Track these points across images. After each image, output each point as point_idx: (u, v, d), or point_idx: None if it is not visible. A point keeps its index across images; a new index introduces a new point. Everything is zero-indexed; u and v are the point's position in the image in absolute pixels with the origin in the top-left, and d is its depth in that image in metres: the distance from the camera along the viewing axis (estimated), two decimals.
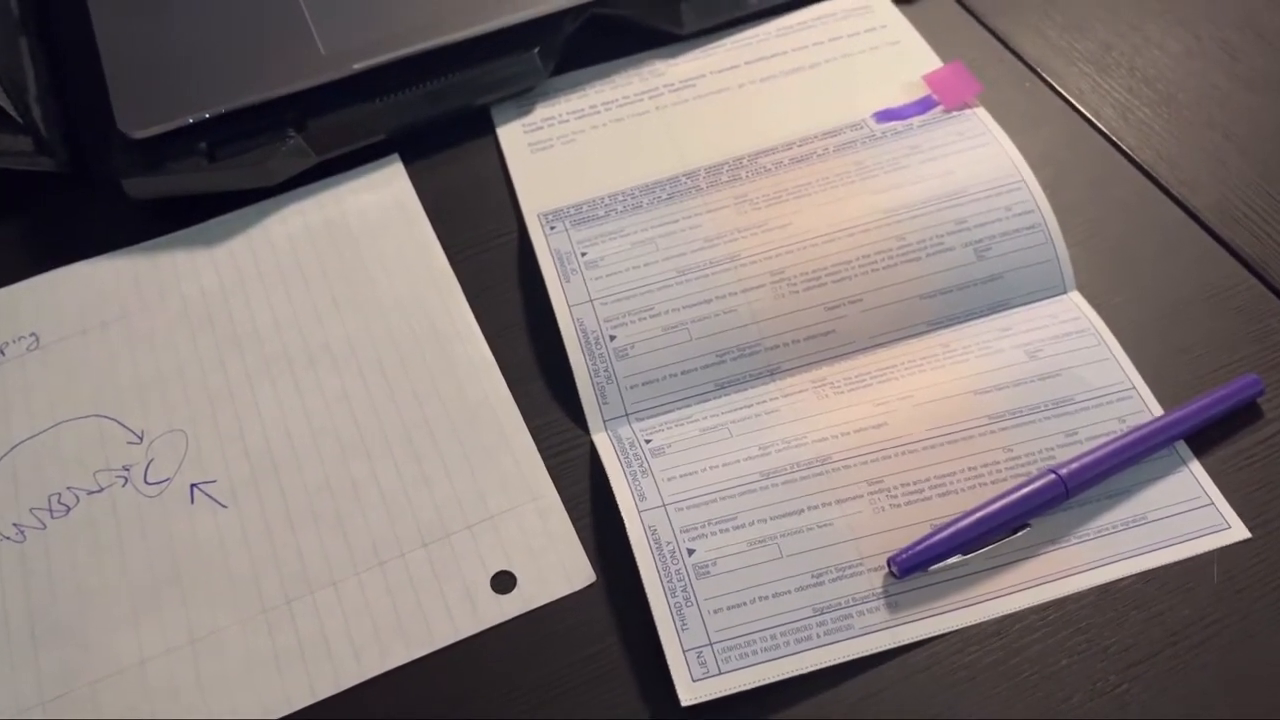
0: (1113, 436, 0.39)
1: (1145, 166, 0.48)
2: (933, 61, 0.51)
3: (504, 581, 0.38)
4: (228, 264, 0.47)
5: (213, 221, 0.48)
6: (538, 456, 0.41)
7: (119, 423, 0.42)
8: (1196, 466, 0.39)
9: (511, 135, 0.50)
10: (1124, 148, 0.49)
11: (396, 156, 0.50)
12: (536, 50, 0.50)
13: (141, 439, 0.42)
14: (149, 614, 0.38)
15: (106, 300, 0.46)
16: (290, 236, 0.48)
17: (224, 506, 0.40)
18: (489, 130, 0.51)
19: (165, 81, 0.48)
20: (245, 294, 0.46)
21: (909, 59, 0.51)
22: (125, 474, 0.41)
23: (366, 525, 0.39)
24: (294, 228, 0.48)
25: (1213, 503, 0.38)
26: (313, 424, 0.42)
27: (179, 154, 0.47)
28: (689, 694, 0.34)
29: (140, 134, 0.46)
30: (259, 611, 0.38)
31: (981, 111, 0.47)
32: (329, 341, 0.44)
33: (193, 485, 0.41)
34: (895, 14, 0.53)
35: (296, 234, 0.48)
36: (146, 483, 0.41)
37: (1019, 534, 0.37)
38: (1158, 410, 0.40)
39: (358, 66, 0.48)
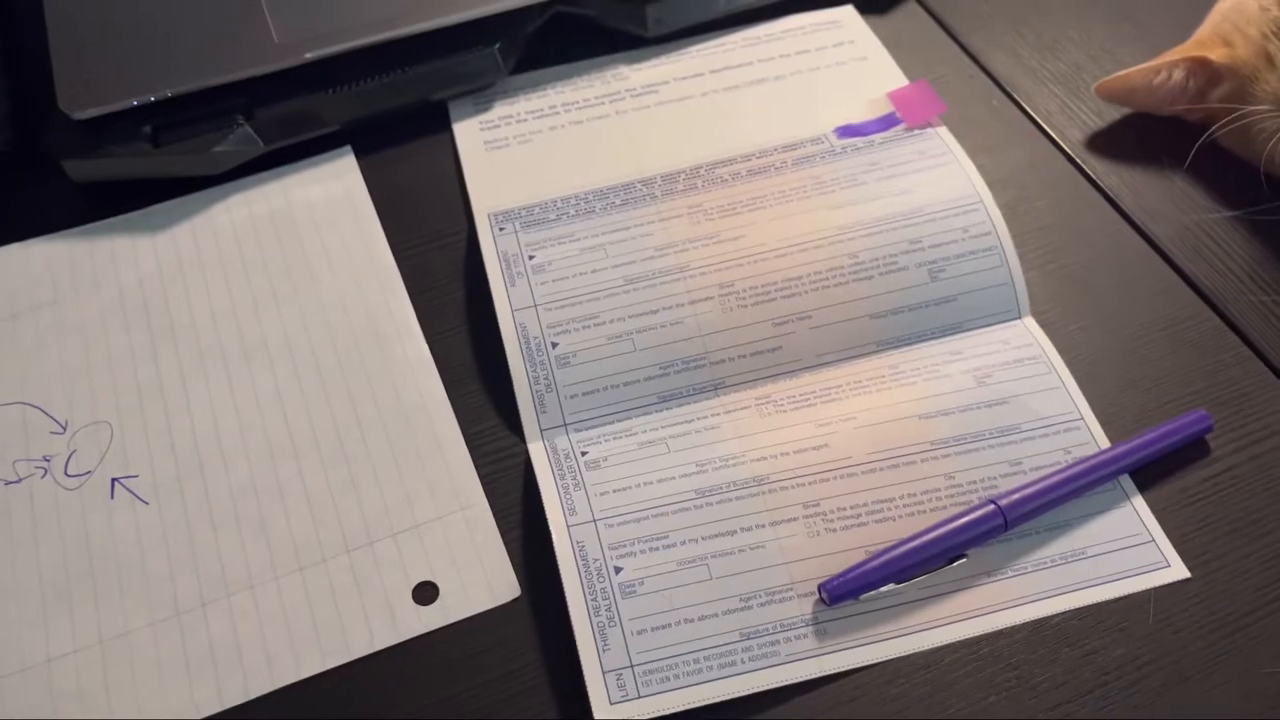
0: (1057, 468, 0.38)
1: (1109, 193, 0.47)
2: (899, 79, 0.50)
3: (426, 592, 0.37)
4: (168, 252, 0.46)
5: (155, 208, 0.47)
6: (471, 464, 0.40)
7: (43, 411, 0.41)
8: (1140, 502, 0.38)
9: (467, 132, 0.49)
10: (1089, 172, 0.48)
11: (349, 149, 0.49)
12: (497, 47, 0.49)
13: (65, 429, 0.41)
14: (59, 611, 0.37)
15: (39, 284, 0.45)
16: (234, 226, 0.46)
17: (145, 503, 0.39)
18: (445, 126, 0.50)
19: (111, 62, 0.47)
20: (184, 284, 0.45)
21: (875, 75, 0.50)
22: (45, 465, 0.40)
23: (289, 529, 0.38)
24: (238, 218, 0.47)
25: (1153, 540, 0.37)
26: (243, 422, 0.41)
27: (122, 137, 0.46)
28: (606, 716, 0.33)
29: (82, 114, 0.45)
30: (172, 614, 0.37)
31: (944, 131, 0.47)
32: (266, 337, 0.43)
33: (114, 479, 0.40)
34: (864, 30, 0.52)
35: (240, 224, 0.47)
36: (67, 475, 0.40)
37: (955, 564, 0.37)
38: (1105, 442, 0.39)
39: (311, 55, 0.47)
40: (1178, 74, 0.46)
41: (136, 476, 0.40)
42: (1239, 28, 0.45)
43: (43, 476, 0.40)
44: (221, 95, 0.47)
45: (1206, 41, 0.46)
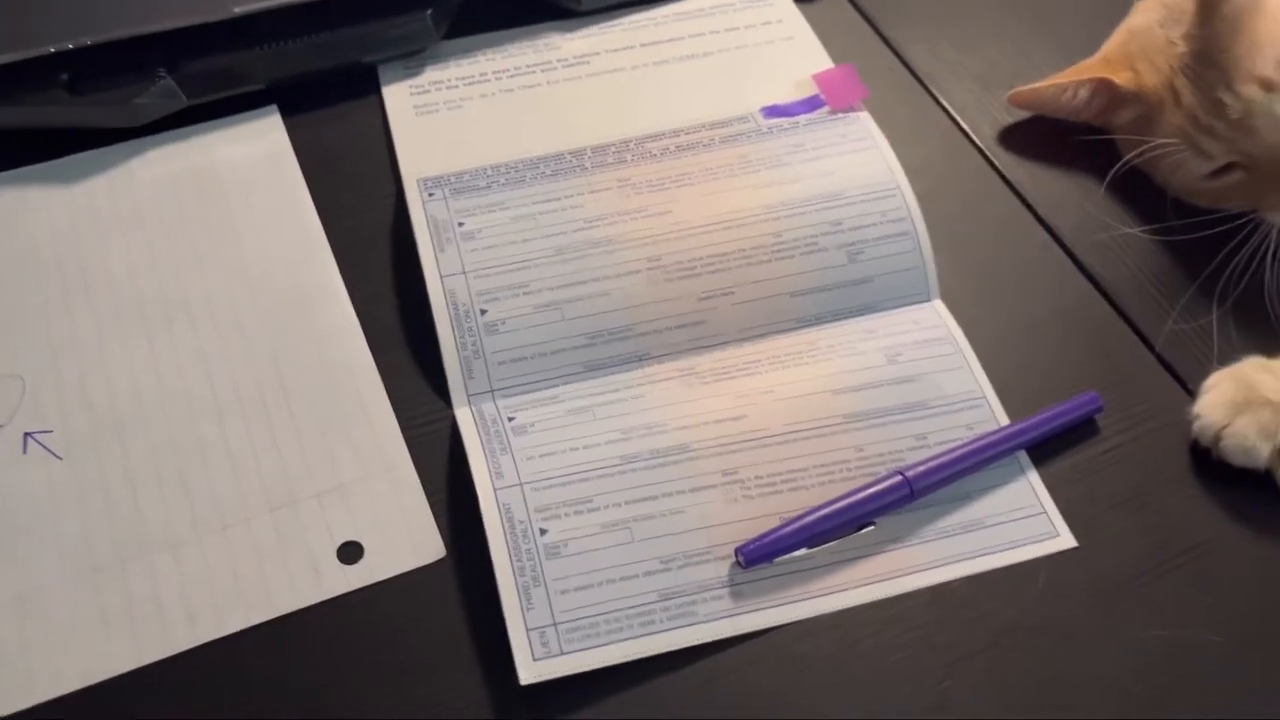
0: (959, 443, 0.40)
1: (1015, 185, 0.50)
2: (824, 61, 0.51)
3: (351, 552, 0.37)
4: (83, 205, 0.45)
5: (69, 158, 0.46)
6: (396, 427, 0.40)
7: None
8: (1034, 476, 0.41)
9: (397, 96, 0.49)
10: (997, 165, 0.50)
11: (275, 108, 0.48)
12: (429, 11, 0.49)
13: None
14: None
15: None
16: (154, 181, 0.46)
17: (59, 458, 0.38)
18: (374, 89, 0.50)
19: (28, 6, 0.45)
20: (100, 238, 0.44)
21: (801, 56, 0.51)
22: None
23: (211, 488, 0.38)
24: (159, 173, 0.46)
25: (1045, 511, 0.40)
26: (162, 380, 0.40)
27: (37, 84, 0.45)
28: (529, 673, 0.35)
29: None
30: (89, 570, 0.36)
31: (866, 116, 0.48)
32: (187, 296, 0.43)
33: (26, 434, 0.39)
34: (792, 10, 0.54)
35: (161, 180, 0.46)
36: None
37: (863, 531, 0.39)
38: (1004, 420, 0.42)
39: (239, 10, 0.46)
40: (1083, 92, 0.49)
41: (50, 432, 0.39)
42: (1146, 54, 0.47)
43: None
44: (144, 46, 0.46)
45: (1113, 61, 0.48)
